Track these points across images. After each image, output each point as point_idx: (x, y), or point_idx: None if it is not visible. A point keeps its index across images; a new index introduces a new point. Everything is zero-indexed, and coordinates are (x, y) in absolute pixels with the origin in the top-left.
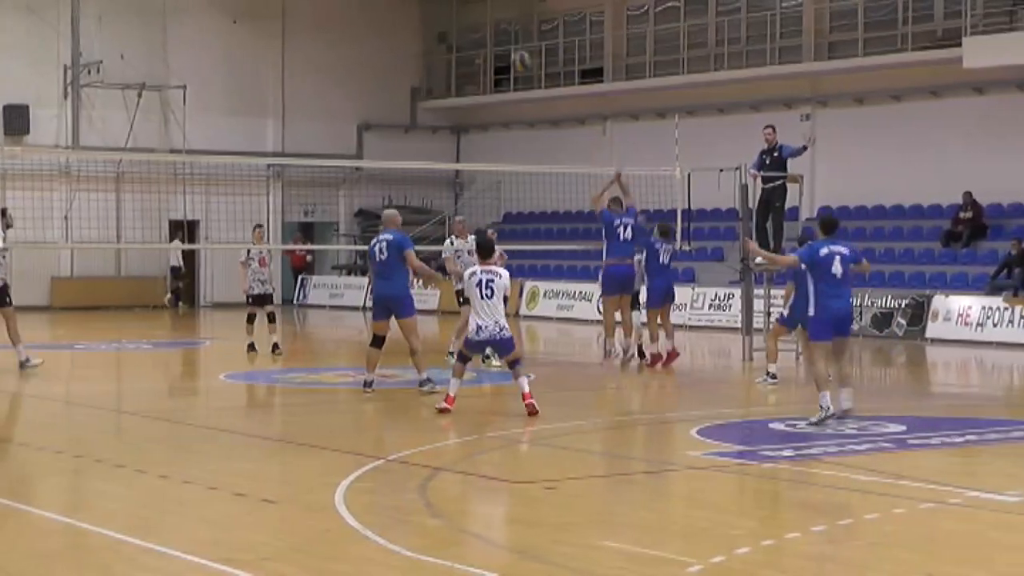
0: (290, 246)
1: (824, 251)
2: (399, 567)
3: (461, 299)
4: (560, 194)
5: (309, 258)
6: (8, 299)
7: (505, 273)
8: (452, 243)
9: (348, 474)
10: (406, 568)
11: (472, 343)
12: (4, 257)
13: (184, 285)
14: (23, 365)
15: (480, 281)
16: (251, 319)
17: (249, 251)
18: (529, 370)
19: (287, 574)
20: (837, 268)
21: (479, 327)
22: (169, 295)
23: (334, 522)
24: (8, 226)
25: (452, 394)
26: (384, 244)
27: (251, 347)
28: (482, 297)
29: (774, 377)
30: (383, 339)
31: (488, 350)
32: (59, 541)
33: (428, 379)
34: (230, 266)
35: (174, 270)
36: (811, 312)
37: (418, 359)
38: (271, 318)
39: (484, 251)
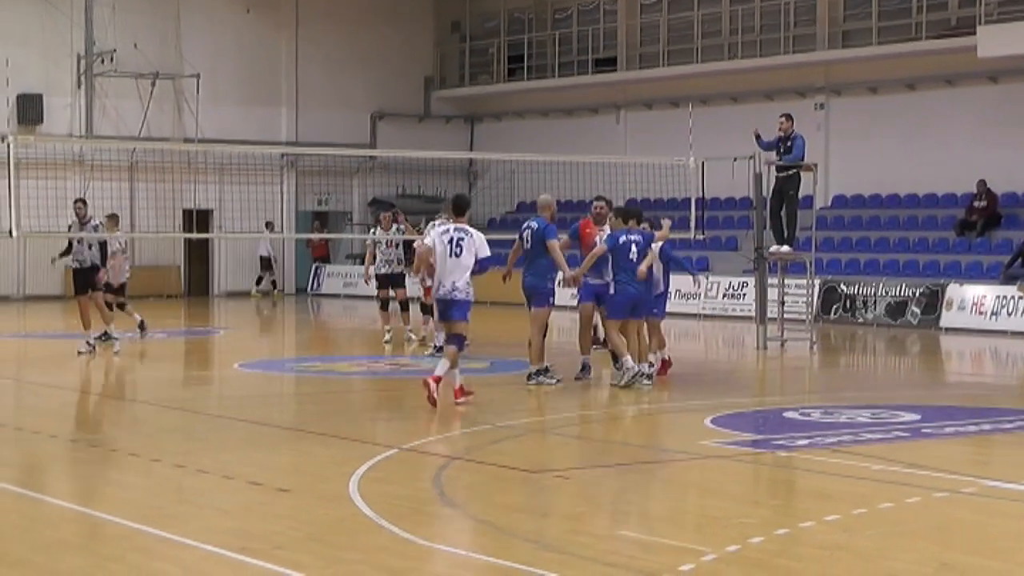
0: (307, 235)
1: (623, 239)
2: (413, 556)
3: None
4: (574, 183)
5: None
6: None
7: (478, 233)
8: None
9: (362, 463)
10: (420, 557)
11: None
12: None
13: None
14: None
15: (451, 239)
16: (113, 307)
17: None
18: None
19: (302, 563)
20: (633, 254)
21: (439, 283)
22: (262, 286)
23: (349, 511)
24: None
25: (457, 385)
26: (529, 232)
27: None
28: (450, 255)
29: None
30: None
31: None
32: (73, 530)
33: (537, 372)
34: (243, 255)
35: (263, 260)
36: (611, 292)
37: (531, 352)
38: (120, 307)
39: (459, 208)
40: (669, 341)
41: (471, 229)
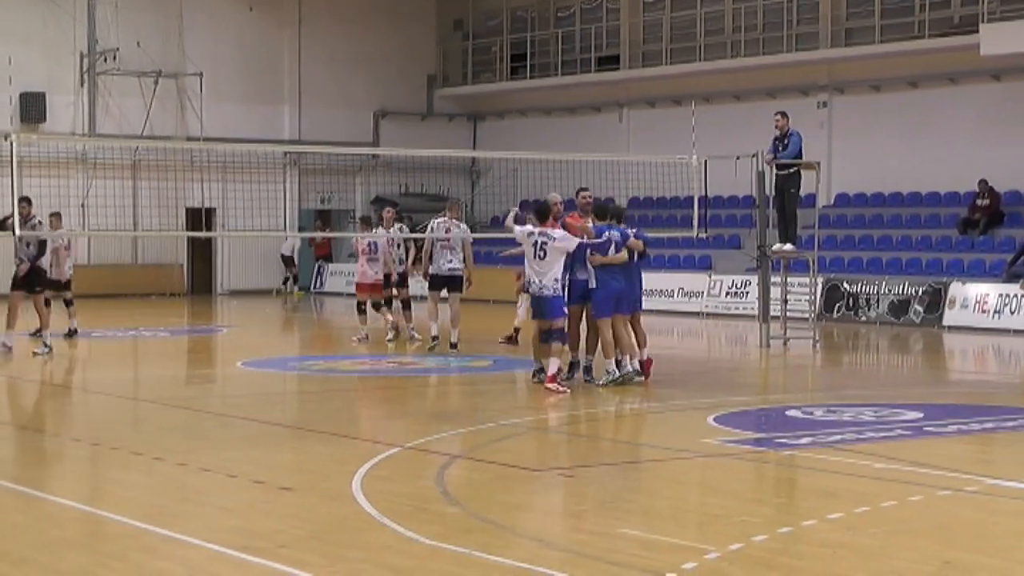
0: (309, 234)
1: (606, 234)
2: (416, 555)
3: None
4: (577, 181)
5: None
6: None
7: (558, 233)
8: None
9: (365, 462)
10: (424, 556)
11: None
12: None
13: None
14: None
15: (535, 243)
16: (48, 303)
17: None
18: None
19: (304, 561)
20: (612, 250)
21: (529, 282)
22: (290, 284)
23: (351, 509)
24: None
25: (551, 372)
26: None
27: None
28: (534, 257)
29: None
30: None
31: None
32: (76, 529)
33: (540, 370)
34: (246, 254)
35: (285, 259)
36: (592, 286)
37: (535, 349)
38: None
39: (541, 215)
40: (672, 339)
41: (551, 231)
